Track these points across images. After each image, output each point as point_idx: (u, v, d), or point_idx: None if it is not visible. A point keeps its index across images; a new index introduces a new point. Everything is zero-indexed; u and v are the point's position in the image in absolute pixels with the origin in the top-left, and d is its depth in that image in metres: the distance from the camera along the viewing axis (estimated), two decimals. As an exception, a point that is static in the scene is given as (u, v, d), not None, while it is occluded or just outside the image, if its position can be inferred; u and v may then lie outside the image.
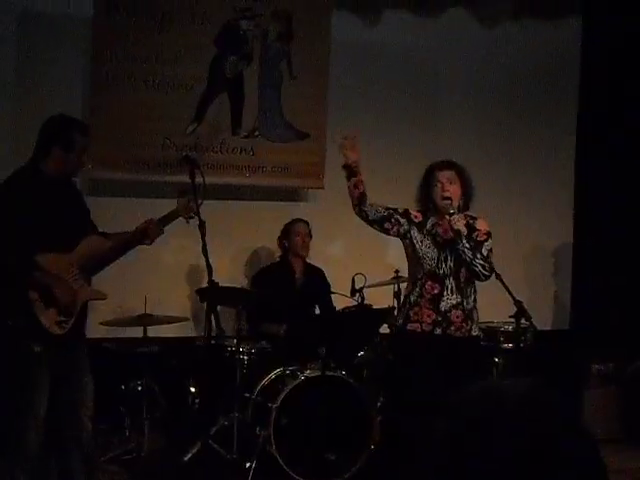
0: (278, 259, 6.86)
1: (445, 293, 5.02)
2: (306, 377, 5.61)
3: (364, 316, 6.16)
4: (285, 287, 6.53)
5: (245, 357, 5.97)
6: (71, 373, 4.53)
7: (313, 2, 6.94)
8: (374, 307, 6.22)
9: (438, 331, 5.00)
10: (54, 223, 4.47)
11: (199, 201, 4.91)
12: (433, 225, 5.11)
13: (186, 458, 5.66)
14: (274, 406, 5.47)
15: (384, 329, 6.21)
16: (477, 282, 5.09)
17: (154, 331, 6.14)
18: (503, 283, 4.89)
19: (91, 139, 4.75)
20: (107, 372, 6.00)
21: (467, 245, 4.92)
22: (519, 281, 7.07)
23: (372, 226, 5.16)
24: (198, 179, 5.06)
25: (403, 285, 5.75)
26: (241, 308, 6.12)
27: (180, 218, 4.94)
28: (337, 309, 6.53)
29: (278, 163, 6.94)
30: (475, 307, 5.14)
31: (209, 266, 4.87)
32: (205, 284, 5.35)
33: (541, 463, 1.15)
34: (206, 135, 6.76)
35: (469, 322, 5.06)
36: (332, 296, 6.59)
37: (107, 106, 6.44)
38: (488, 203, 7.62)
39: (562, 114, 7.91)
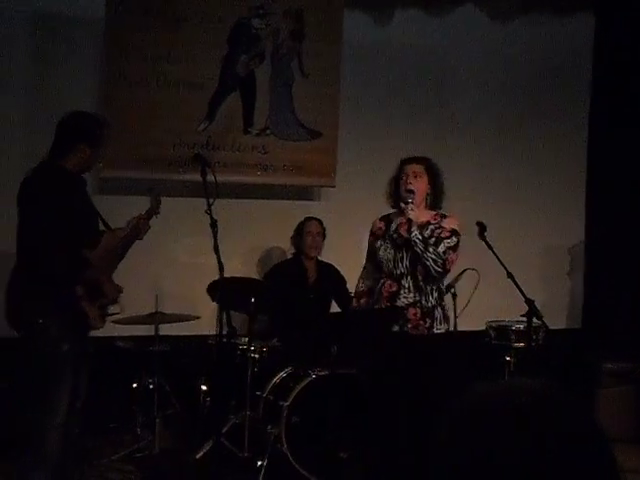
0: (291, 256, 6.86)
1: (402, 291, 5.03)
2: (317, 376, 5.61)
3: (374, 315, 6.14)
4: (297, 284, 6.54)
5: (256, 355, 5.98)
6: (82, 366, 4.55)
7: (324, 1, 6.93)
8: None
9: (396, 328, 5.01)
10: (85, 219, 4.56)
11: (211, 200, 4.91)
12: (397, 226, 5.14)
13: (198, 456, 5.67)
14: (285, 404, 5.48)
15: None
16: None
17: (166, 329, 6.15)
18: (515, 282, 4.88)
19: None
20: (119, 370, 6.03)
21: (419, 237, 4.91)
22: (532, 280, 7.05)
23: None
24: (209, 178, 5.06)
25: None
26: (252, 302, 6.07)
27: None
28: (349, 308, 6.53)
29: (290, 161, 6.94)
30: (440, 305, 5.09)
31: (221, 264, 4.87)
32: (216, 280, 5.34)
33: (555, 464, 1.14)
34: (218, 133, 6.76)
35: (428, 320, 5.03)
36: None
37: (119, 105, 6.45)
38: (500, 202, 7.65)
39: (574, 111, 7.89)
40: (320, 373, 5.63)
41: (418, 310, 5.02)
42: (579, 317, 7.95)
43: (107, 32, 6.49)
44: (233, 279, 5.62)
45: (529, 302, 4.89)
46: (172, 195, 6.26)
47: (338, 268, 6.78)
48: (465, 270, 5.87)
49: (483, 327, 6.55)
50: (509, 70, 7.73)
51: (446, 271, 5.00)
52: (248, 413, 5.72)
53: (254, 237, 7.20)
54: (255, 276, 7.09)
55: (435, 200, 5.15)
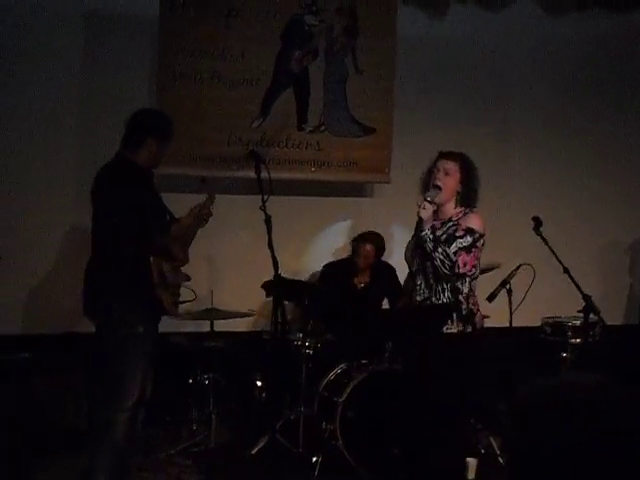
0: (350, 254, 6.86)
1: (418, 288, 5.01)
2: (372, 371, 5.61)
3: (429, 311, 6.12)
4: (345, 287, 6.56)
5: (311, 351, 5.99)
6: (152, 355, 4.66)
7: (379, -3, 6.92)
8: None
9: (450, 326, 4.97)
10: (160, 211, 4.76)
11: (265, 196, 4.94)
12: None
13: (253, 452, 5.70)
14: (340, 400, 5.48)
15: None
16: (480, 279, 5.03)
17: (221, 325, 6.19)
18: (571, 277, 4.83)
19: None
20: (175, 366, 6.08)
21: (430, 236, 4.81)
22: (592, 275, 6.99)
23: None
24: (264, 174, 5.08)
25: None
26: (306, 302, 6.12)
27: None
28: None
29: (344, 158, 6.93)
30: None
31: (275, 260, 4.89)
32: (271, 278, 5.37)
33: (611, 459, 1.13)
34: (272, 130, 6.78)
35: None
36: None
37: (173, 103, 6.49)
38: (563, 198, 7.58)
39: (633, 106, 7.78)
40: (375, 369, 5.62)
41: None
42: (637, 313, 7.85)
43: (161, 29, 6.53)
44: (287, 281, 5.63)
45: (586, 297, 4.84)
46: (226, 192, 6.29)
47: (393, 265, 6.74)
48: (520, 265, 5.83)
49: (539, 323, 6.49)
50: (565, 65, 7.65)
51: (455, 273, 4.83)
52: (303, 409, 5.75)
53: (308, 233, 7.22)
54: (308, 272, 7.10)
55: (466, 198, 4.99)
